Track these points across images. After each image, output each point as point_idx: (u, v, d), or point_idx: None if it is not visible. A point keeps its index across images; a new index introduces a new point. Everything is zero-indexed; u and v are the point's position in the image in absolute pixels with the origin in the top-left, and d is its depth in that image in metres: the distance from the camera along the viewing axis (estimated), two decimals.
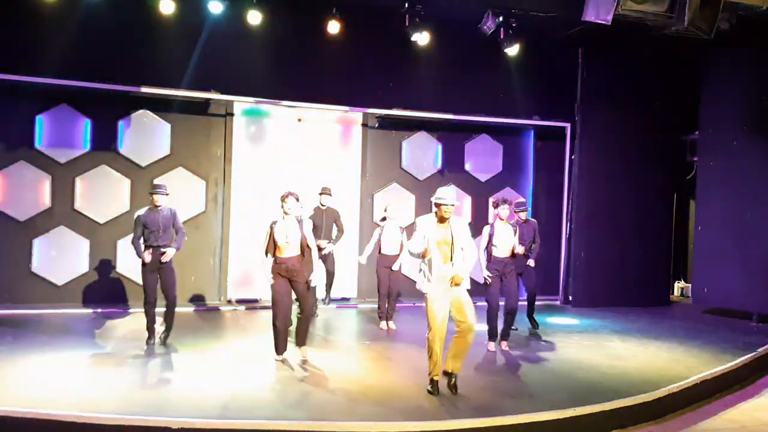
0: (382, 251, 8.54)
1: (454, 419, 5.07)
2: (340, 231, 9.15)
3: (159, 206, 7.19)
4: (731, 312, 10.32)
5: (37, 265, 9.38)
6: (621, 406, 5.54)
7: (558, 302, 11.49)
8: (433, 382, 5.77)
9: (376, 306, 8.79)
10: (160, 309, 7.25)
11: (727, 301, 10.44)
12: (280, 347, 6.70)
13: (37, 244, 9.37)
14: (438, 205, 5.77)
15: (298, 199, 6.72)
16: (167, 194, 7.31)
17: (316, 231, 8.88)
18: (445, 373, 5.86)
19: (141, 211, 7.33)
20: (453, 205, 5.78)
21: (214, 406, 5.21)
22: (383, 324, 8.61)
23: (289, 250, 6.59)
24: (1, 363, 6.23)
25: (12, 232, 9.24)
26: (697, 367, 6.91)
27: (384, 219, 8.67)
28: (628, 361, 7.30)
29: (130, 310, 9.14)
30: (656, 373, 6.67)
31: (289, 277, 6.61)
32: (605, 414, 5.42)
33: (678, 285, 12.67)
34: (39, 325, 8.05)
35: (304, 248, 6.69)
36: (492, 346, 7.49)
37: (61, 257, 9.45)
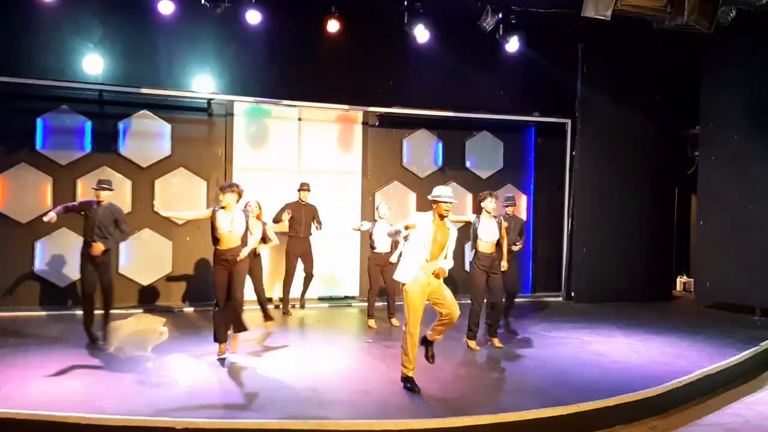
0: (374, 249, 8.55)
1: (456, 416, 5.07)
2: (319, 224, 9.43)
3: (101, 201, 7.12)
4: (734, 306, 10.32)
5: (39, 267, 9.40)
6: (624, 401, 5.55)
7: (560, 298, 11.49)
8: (412, 380, 5.72)
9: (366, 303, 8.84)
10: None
11: (729, 295, 10.43)
12: (220, 337, 6.75)
13: (39, 245, 9.38)
14: (436, 203, 5.72)
15: (241, 194, 6.68)
16: (111, 189, 7.23)
17: (296, 225, 9.21)
18: (424, 342, 5.90)
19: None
20: (452, 202, 5.73)
21: (218, 406, 5.22)
22: (372, 321, 8.62)
23: (231, 241, 6.64)
24: (3, 365, 6.24)
25: (14, 234, 9.24)
26: (700, 361, 6.92)
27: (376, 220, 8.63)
28: (631, 356, 7.30)
29: (132, 311, 9.14)
30: (659, 368, 6.68)
31: (229, 269, 6.69)
32: (608, 410, 5.42)
33: (680, 280, 12.67)
34: (41, 327, 8.05)
35: (245, 241, 6.72)
36: (473, 344, 7.40)
37: (63, 259, 9.46)
